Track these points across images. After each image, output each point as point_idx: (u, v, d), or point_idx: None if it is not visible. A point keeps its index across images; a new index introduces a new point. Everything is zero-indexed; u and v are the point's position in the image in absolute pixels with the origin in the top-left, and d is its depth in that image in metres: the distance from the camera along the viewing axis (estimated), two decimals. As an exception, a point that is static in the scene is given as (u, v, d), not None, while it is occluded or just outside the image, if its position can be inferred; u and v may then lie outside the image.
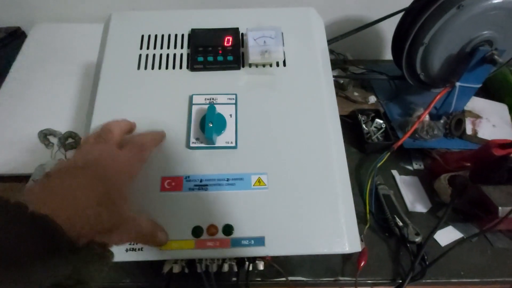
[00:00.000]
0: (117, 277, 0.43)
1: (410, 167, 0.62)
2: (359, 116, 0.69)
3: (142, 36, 0.39)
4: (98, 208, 0.23)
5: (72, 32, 0.78)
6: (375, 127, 0.67)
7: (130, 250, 0.29)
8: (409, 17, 0.60)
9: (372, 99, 0.74)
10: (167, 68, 0.38)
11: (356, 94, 0.77)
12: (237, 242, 0.30)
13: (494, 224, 0.44)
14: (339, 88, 0.79)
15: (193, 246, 0.30)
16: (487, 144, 0.48)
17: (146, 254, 0.29)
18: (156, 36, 0.39)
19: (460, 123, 0.64)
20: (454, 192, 0.50)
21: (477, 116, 0.67)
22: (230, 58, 0.37)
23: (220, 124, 0.33)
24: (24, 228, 0.18)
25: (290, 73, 0.37)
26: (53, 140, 0.60)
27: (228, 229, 0.30)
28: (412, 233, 0.46)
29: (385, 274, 0.45)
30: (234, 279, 0.42)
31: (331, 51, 0.88)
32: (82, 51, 0.74)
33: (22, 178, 0.57)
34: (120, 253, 0.29)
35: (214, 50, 0.38)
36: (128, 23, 0.40)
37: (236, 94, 0.36)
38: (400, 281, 0.43)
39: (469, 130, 0.64)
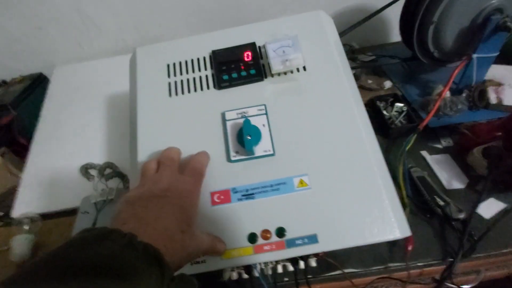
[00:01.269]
0: None
1: (439, 146, 0.62)
2: (378, 103, 0.69)
3: (168, 65, 0.42)
4: (182, 235, 0.25)
5: (89, 69, 0.83)
6: (396, 111, 0.67)
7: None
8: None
9: (388, 84, 0.75)
10: (195, 90, 0.40)
11: (370, 81, 0.77)
12: (291, 243, 0.32)
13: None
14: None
15: (251, 252, 0.32)
16: (515, 112, 0.48)
17: (210, 265, 0.32)
18: (180, 63, 0.42)
19: (483, 93, 0.63)
20: (491, 164, 0.50)
21: (499, 84, 0.66)
22: (252, 71, 0.39)
23: (257, 135, 0.35)
24: (138, 253, 0.21)
25: (312, 76, 0.39)
26: (93, 172, 0.64)
27: (281, 232, 0.32)
28: (455, 211, 0.47)
29: (434, 255, 0.45)
30: (286, 279, 0.44)
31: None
32: (101, 85, 0.79)
33: (68, 213, 0.61)
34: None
35: (237, 66, 0.40)
36: (153, 56, 0.43)
37: (265, 105, 0.38)
38: (451, 259, 0.44)
39: (493, 99, 0.63)
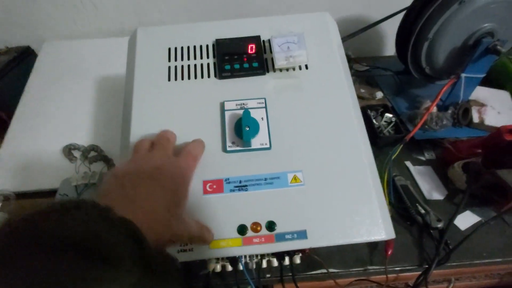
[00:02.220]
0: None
1: (422, 158, 0.64)
2: (369, 111, 0.71)
3: (169, 49, 0.41)
4: (168, 216, 0.24)
5: (82, 48, 0.80)
6: (385, 121, 0.69)
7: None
8: (412, 15, 0.63)
9: (379, 94, 0.77)
10: (196, 78, 0.40)
11: (363, 90, 0.79)
12: (281, 237, 0.32)
13: (510, 206, 0.46)
14: (346, 86, 0.81)
15: (240, 244, 0.31)
16: (497, 130, 0.50)
17: (197, 253, 0.31)
18: (182, 48, 0.41)
19: (467, 112, 0.66)
20: (470, 178, 0.52)
21: (482, 105, 0.69)
22: (255, 64, 0.39)
23: (255, 127, 0.35)
24: (113, 228, 0.20)
25: (313, 75, 0.40)
26: (76, 154, 0.61)
27: (271, 225, 0.32)
28: (434, 220, 0.49)
29: (412, 261, 0.47)
30: (268, 275, 0.44)
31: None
32: (93, 66, 0.76)
33: (46, 194, 0.58)
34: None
35: (240, 58, 0.40)
36: (154, 38, 0.42)
37: (265, 98, 0.38)
38: (427, 266, 0.45)
39: (476, 118, 0.66)
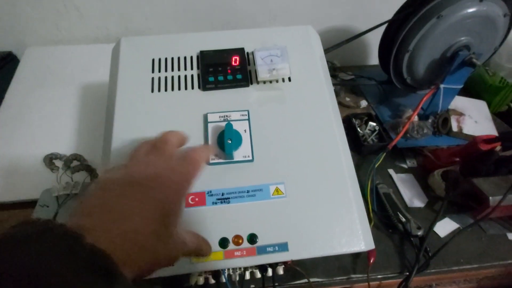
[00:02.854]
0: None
1: (404, 165, 0.66)
2: (353, 120, 0.73)
3: (153, 60, 0.41)
4: (155, 239, 0.21)
5: (65, 54, 0.79)
6: (369, 129, 0.71)
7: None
8: (393, 27, 0.65)
9: (364, 103, 0.79)
10: (179, 89, 0.40)
11: (348, 99, 0.81)
12: (262, 250, 0.32)
13: (486, 213, 0.48)
14: (332, 94, 0.83)
15: (222, 257, 0.31)
16: (474, 140, 0.52)
17: (179, 268, 0.31)
18: (166, 59, 0.41)
19: (446, 121, 0.69)
20: (448, 186, 0.54)
21: (461, 114, 0.72)
22: (239, 76, 0.40)
23: (237, 140, 0.35)
24: (82, 263, 0.16)
25: (296, 87, 0.40)
26: (58, 163, 0.60)
27: (253, 238, 0.32)
28: (414, 228, 0.50)
29: (393, 268, 0.48)
30: (253, 286, 0.44)
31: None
32: (76, 73, 0.75)
33: (26, 205, 0.56)
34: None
35: (224, 69, 0.40)
36: (138, 48, 0.42)
37: (248, 110, 0.38)
38: (407, 273, 0.46)
39: (455, 127, 0.69)
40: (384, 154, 0.63)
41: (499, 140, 0.50)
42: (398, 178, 0.63)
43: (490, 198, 0.47)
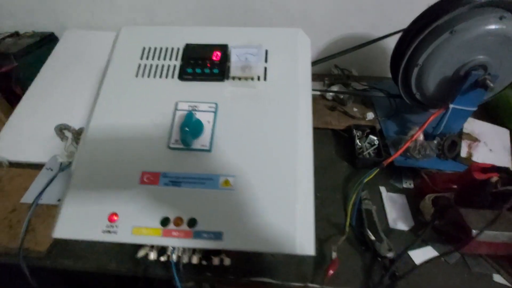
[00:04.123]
0: (105, 261, 0.48)
1: (399, 185, 0.62)
2: (354, 131, 0.70)
3: (144, 48, 0.45)
4: None
5: (98, 39, 0.87)
6: (368, 143, 0.68)
7: (105, 232, 0.34)
8: (407, 38, 0.62)
9: (370, 115, 0.76)
10: (160, 77, 0.43)
11: (355, 109, 0.78)
12: (198, 234, 0.33)
13: (467, 247, 0.44)
14: (339, 103, 0.81)
15: (160, 234, 0.33)
16: (469, 168, 0.48)
17: (119, 236, 0.34)
18: (155, 48, 0.45)
19: (455, 145, 0.63)
20: (435, 213, 0.50)
21: (475, 139, 0.66)
22: (216, 71, 0.42)
23: (198, 129, 0.37)
24: None
25: (269, 87, 0.41)
26: (67, 134, 0.67)
27: (192, 222, 0.34)
28: (385, 248, 0.47)
29: (354, 286, 0.46)
30: (209, 274, 0.45)
31: (336, 66, 0.90)
32: (101, 56, 0.82)
33: (36, 166, 0.64)
34: (96, 234, 0.33)
35: (203, 63, 0.42)
36: (134, 36, 0.46)
37: (216, 103, 0.40)
38: (367, 294, 0.44)
39: (463, 153, 0.63)
40: (377, 170, 0.60)
41: (496, 170, 0.45)
42: (387, 197, 0.60)
43: (474, 231, 0.43)
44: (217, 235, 0.33)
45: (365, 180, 0.59)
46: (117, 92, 0.42)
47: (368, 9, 0.80)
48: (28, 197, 0.57)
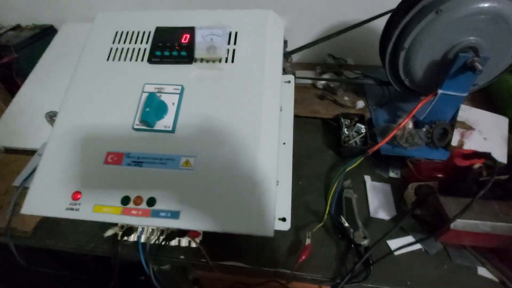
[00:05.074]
0: (84, 242, 0.49)
1: (385, 175, 0.60)
2: (342, 119, 0.69)
3: (116, 33, 0.45)
4: None
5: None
6: (355, 131, 0.66)
7: (68, 209, 0.35)
8: (393, 20, 0.59)
9: (360, 104, 0.73)
10: (130, 60, 0.43)
11: (346, 98, 0.76)
12: (156, 213, 0.34)
13: (440, 233, 0.42)
14: (329, 91, 0.79)
15: (119, 212, 0.34)
16: (450, 154, 0.46)
17: (80, 214, 0.34)
18: (127, 32, 0.45)
19: (446, 133, 0.61)
20: (416, 201, 0.48)
21: (469, 128, 0.63)
22: (183, 53, 0.41)
23: (161, 110, 0.37)
24: None
25: (235, 69, 0.40)
26: (59, 121, 0.69)
27: (151, 201, 0.34)
28: (360, 236, 0.46)
29: (326, 273, 0.45)
30: (182, 257, 0.46)
31: (330, 56, 0.88)
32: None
33: (29, 152, 0.66)
34: (59, 211, 0.35)
35: (171, 46, 0.42)
36: (108, 21, 0.46)
37: (182, 85, 0.40)
38: (339, 281, 0.43)
39: (455, 142, 0.60)
40: (361, 159, 0.58)
41: (479, 156, 0.43)
42: (371, 186, 0.58)
43: (452, 219, 0.41)
44: (174, 214, 0.33)
45: (348, 169, 0.57)
46: (88, 76, 0.43)
47: (360, -7, 0.77)
48: (18, 181, 0.60)
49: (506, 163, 0.55)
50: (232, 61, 0.41)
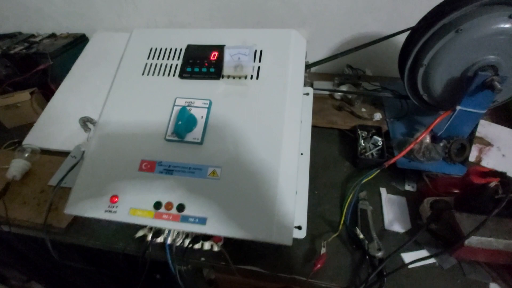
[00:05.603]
0: (114, 241, 0.53)
1: (401, 188, 0.61)
2: (359, 131, 0.70)
3: (151, 49, 0.49)
4: None
5: (121, 39, 0.95)
6: (372, 143, 0.68)
7: (107, 211, 0.38)
8: (414, 37, 0.60)
9: (377, 116, 0.75)
10: (163, 75, 0.47)
11: (363, 110, 0.78)
12: (185, 219, 0.37)
13: (454, 249, 0.43)
14: (347, 102, 0.81)
15: (152, 216, 0.37)
16: (467, 171, 0.47)
17: (117, 215, 0.38)
18: (161, 49, 0.49)
19: (464, 148, 0.61)
20: (431, 216, 0.49)
21: (488, 144, 0.63)
22: (212, 70, 0.45)
23: (191, 123, 0.41)
24: None
25: (260, 86, 0.43)
26: (90, 126, 0.74)
27: (181, 207, 0.37)
28: (374, 248, 0.48)
29: (341, 282, 0.47)
30: (203, 259, 0.49)
31: (349, 66, 0.90)
32: (127, 56, 0.90)
33: (62, 153, 0.72)
34: (99, 212, 0.38)
35: (201, 62, 0.45)
36: (144, 38, 0.51)
37: (210, 100, 0.43)
38: (352, 290, 0.45)
39: (472, 157, 0.61)
40: (378, 171, 0.60)
41: (495, 175, 0.44)
42: (387, 198, 0.59)
43: (467, 236, 0.42)
44: (202, 220, 0.36)
45: (364, 181, 0.59)
46: (125, 89, 0.46)
47: (381, 6, 0.79)
48: (54, 180, 0.65)
49: (524, 181, 0.54)
50: (257, 78, 0.44)
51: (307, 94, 0.65)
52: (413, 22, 0.64)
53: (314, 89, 0.71)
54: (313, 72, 0.97)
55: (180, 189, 0.38)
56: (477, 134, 0.64)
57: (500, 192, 0.45)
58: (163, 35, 0.50)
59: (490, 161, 0.59)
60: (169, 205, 0.38)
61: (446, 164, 0.61)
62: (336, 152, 0.70)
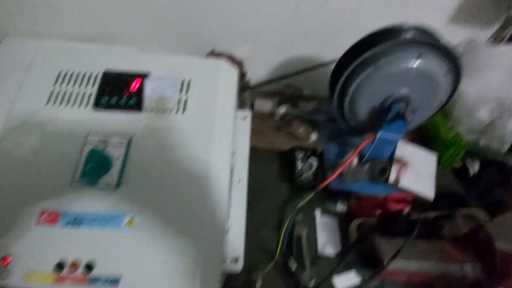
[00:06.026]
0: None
1: (334, 208, 0.64)
2: (296, 153, 0.72)
3: (60, 72, 0.43)
4: None
5: (37, 47, 0.82)
6: (307, 165, 0.70)
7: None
8: (338, 69, 0.64)
9: (314, 136, 0.78)
10: (73, 105, 0.41)
11: (301, 130, 0.80)
12: (94, 281, 0.32)
13: (377, 274, 0.46)
14: (286, 123, 0.82)
15: (52, 280, 0.32)
16: (385, 198, 0.51)
17: (11, 281, 0.31)
18: (72, 73, 0.43)
19: (385, 170, 0.67)
20: (356, 239, 0.53)
21: (405, 163, 0.70)
22: (132, 101, 0.41)
23: (104, 166, 0.36)
24: None
25: (186, 120, 0.41)
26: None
27: (89, 267, 0.32)
28: (307, 278, 0.48)
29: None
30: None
31: (288, 86, 0.92)
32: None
33: None
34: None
35: (120, 92, 0.41)
36: (51, 58, 0.44)
37: (130, 137, 0.39)
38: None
39: (392, 178, 0.67)
40: (311, 194, 0.62)
41: (409, 201, 0.48)
42: (320, 221, 0.62)
43: (385, 260, 0.45)
44: (113, 281, 0.32)
45: (299, 205, 0.60)
46: (24, 121, 0.39)
47: (312, 34, 0.83)
48: None
49: (431, 200, 0.62)
50: (184, 111, 0.41)
51: (245, 117, 0.64)
52: (342, 48, 0.69)
53: (252, 110, 0.71)
54: (255, 90, 0.97)
55: (89, 244, 0.33)
56: (396, 155, 0.71)
57: (412, 216, 0.50)
58: (77, 55, 0.44)
59: (406, 182, 0.65)
60: (74, 265, 0.32)
61: (371, 185, 0.66)
62: (275, 174, 0.71)
